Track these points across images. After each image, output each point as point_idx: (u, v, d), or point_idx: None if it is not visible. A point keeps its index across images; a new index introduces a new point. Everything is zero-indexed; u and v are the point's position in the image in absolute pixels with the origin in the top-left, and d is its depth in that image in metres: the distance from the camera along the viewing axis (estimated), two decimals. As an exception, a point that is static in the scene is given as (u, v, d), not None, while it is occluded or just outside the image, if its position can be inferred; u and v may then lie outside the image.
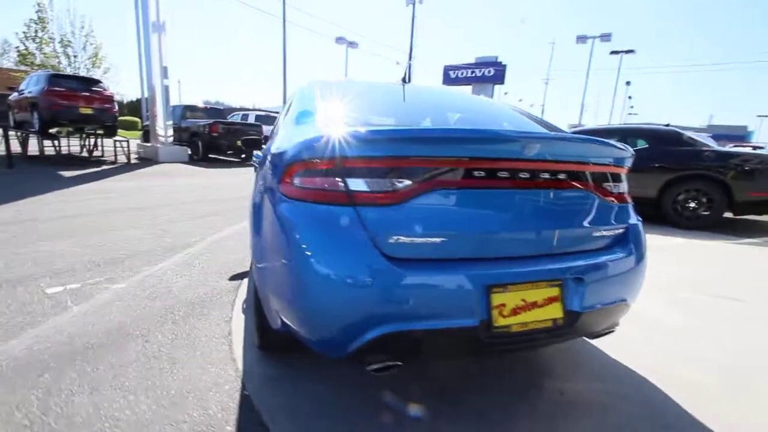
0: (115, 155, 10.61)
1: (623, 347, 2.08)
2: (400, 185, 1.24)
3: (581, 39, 25.56)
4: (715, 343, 2.22)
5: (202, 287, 2.74)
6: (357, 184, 1.24)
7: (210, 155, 12.91)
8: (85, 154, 11.38)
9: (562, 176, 1.39)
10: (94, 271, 2.93)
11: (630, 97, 31.78)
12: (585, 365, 1.98)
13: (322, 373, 1.79)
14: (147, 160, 11.45)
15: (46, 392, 1.60)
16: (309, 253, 1.23)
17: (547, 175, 1.36)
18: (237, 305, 2.49)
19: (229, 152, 13.14)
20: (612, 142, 1.50)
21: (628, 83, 29.22)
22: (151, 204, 5.55)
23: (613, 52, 25.92)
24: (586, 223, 1.45)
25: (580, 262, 1.40)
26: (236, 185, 7.90)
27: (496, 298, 1.27)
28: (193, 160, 12.19)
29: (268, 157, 1.66)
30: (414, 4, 25.13)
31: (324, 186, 1.27)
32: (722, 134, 38.51)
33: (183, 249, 3.59)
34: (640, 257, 1.56)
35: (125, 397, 1.59)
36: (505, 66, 29.19)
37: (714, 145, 5.87)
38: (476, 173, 1.27)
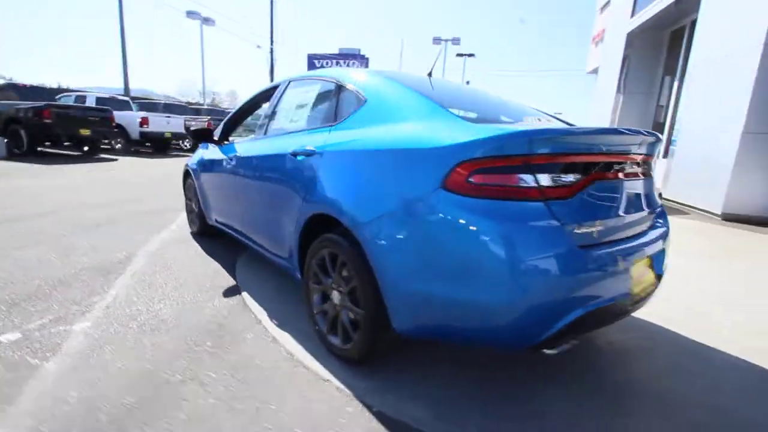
0: None
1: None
2: (575, 179, 1.34)
3: (437, 40, 28.46)
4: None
5: (200, 310, 2.28)
6: (545, 180, 1.29)
7: (39, 148, 10.06)
8: None
9: (646, 166, 1.70)
10: (23, 314, 2.13)
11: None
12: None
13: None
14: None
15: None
16: (510, 249, 1.24)
17: (643, 166, 1.65)
18: (267, 322, 2.17)
19: (66, 144, 10.51)
20: (658, 134, 1.87)
21: (468, 83, 33.83)
22: (23, 215, 4.16)
23: (458, 55, 29.73)
24: (655, 203, 1.81)
25: (659, 234, 1.74)
26: (104, 184, 6.45)
27: (634, 271, 1.50)
28: (14, 155, 9.31)
29: (385, 156, 1.52)
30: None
31: (514, 182, 1.27)
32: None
33: (121, 268, 2.86)
34: (668, 226, 2.00)
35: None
36: (368, 59, 30.34)
37: None
38: (615, 166, 1.47)
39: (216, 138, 3.23)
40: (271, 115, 2.52)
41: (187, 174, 3.88)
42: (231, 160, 2.75)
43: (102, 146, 11.71)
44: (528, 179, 1.27)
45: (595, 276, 1.33)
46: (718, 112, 5.53)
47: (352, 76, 1.98)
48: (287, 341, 1.99)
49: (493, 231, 1.26)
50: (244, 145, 2.68)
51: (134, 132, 12.00)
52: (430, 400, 1.59)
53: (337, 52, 30.30)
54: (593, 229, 1.37)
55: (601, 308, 1.38)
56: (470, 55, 29.18)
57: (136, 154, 12.27)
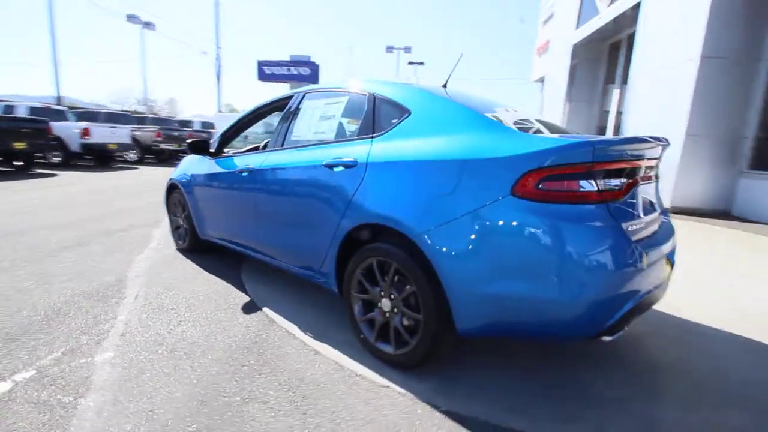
0: None
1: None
2: (622, 183, 1.49)
3: (389, 49, 29.03)
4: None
5: (228, 329, 2.19)
6: (602, 184, 1.42)
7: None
8: None
9: (657, 169, 1.91)
10: (25, 349, 1.93)
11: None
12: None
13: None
14: None
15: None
16: (580, 248, 1.35)
17: (656, 169, 1.86)
18: (302, 335, 2.13)
19: (-3, 159, 9.45)
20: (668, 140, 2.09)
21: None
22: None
23: (410, 63, 30.54)
24: (661, 200, 2.03)
25: (670, 227, 1.96)
26: (54, 203, 5.90)
27: (662, 262, 1.68)
28: (-69, 173, 8.18)
29: (450, 166, 1.58)
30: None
31: (578, 188, 1.39)
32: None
33: (118, 292, 2.66)
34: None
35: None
36: (318, 66, 30.17)
37: None
38: (645, 170, 1.65)
39: (212, 150, 3.12)
40: (288, 127, 2.49)
41: (171, 189, 3.68)
42: (240, 173, 2.66)
43: (36, 160, 10.62)
44: (590, 184, 1.40)
45: (644, 269, 1.49)
46: (662, 116, 6.20)
47: (388, 89, 2.02)
48: (330, 352, 1.98)
49: (564, 232, 1.37)
50: (256, 157, 2.61)
51: (74, 144, 11.00)
52: (491, 393, 1.67)
53: (288, 59, 29.83)
54: (637, 227, 1.53)
55: (646, 297, 1.54)
56: (420, 63, 30.12)
57: (76, 168, 11.25)
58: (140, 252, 3.59)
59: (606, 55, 9.98)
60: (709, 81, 5.47)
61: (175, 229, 3.77)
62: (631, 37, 8.62)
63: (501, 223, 1.44)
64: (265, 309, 2.46)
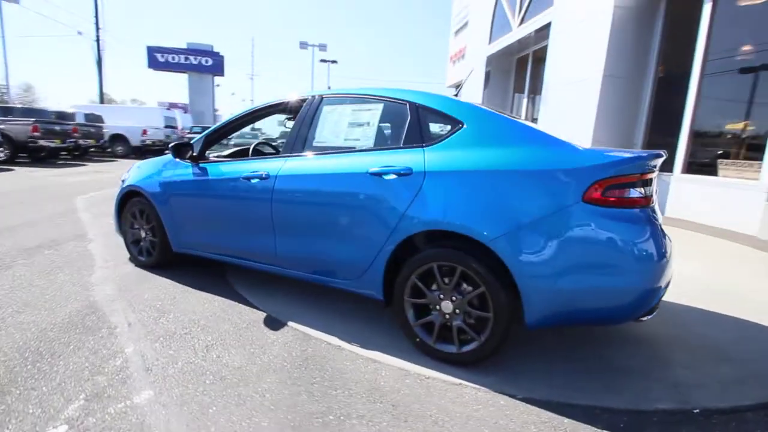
0: None
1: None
2: (652, 189, 1.81)
3: (303, 45, 28.06)
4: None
5: (266, 348, 2.05)
6: (645, 191, 1.72)
7: None
8: None
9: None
10: (31, 400, 1.58)
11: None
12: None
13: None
14: None
15: None
16: (641, 244, 1.63)
17: None
18: (348, 346, 2.10)
19: None
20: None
21: (329, 88, 34.49)
22: None
23: (322, 60, 29.99)
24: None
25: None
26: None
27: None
28: None
29: (520, 176, 1.75)
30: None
31: (631, 194, 1.67)
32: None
33: (99, 321, 2.30)
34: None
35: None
36: (223, 57, 28.10)
37: None
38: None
39: (195, 154, 2.82)
40: (308, 133, 2.39)
41: (127, 197, 3.22)
42: (247, 180, 2.47)
43: None
44: (638, 191, 1.69)
45: (671, 260, 1.84)
46: (574, 125, 7.25)
47: (435, 100, 2.09)
48: (386, 359, 2.00)
49: (627, 232, 1.64)
50: (269, 163, 2.45)
51: None
52: (547, 378, 1.88)
53: (185, 47, 27.15)
54: (663, 226, 1.88)
55: (668, 284, 1.90)
56: (333, 61, 29.89)
57: None
58: (90, 272, 3.07)
59: (514, 68, 11.21)
60: (609, 96, 6.58)
61: (133, 243, 3.30)
62: (536, 53, 9.84)
63: (574, 225, 1.65)
64: (290, 323, 2.35)
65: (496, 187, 1.79)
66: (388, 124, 2.25)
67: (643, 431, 1.55)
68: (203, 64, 27.20)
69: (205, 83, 29.40)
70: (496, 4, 10.78)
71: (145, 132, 15.15)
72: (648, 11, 6.45)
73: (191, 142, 2.83)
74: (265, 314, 2.45)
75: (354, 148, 2.24)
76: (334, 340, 2.16)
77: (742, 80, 5.48)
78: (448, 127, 2.00)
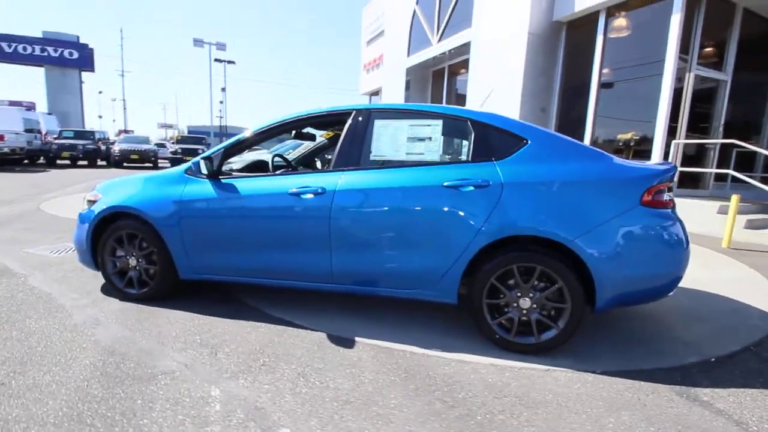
0: None
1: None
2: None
3: (198, 42, 25.34)
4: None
5: (362, 368, 2.02)
6: (671, 195, 2.19)
7: None
8: None
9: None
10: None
11: (222, 102, 35.04)
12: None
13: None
14: None
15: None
16: (682, 236, 2.09)
17: None
18: (419, 350, 2.17)
19: None
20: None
21: (223, 89, 32.09)
22: None
23: (217, 60, 27.70)
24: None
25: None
26: None
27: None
28: None
29: (589, 185, 2.08)
30: None
31: (669, 197, 2.12)
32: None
33: (136, 369, 1.98)
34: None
35: None
36: (92, 50, 24.20)
37: None
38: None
39: (214, 170, 2.56)
40: (361, 147, 2.39)
41: (108, 221, 2.75)
42: (296, 195, 2.36)
43: None
44: (668, 195, 2.15)
45: None
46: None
47: (496, 119, 2.30)
48: (472, 359, 2.13)
49: (670, 227, 2.08)
50: (321, 177, 2.37)
51: None
52: (606, 352, 2.24)
53: (40, 36, 22.69)
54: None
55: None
56: (230, 62, 27.93)
57: None
58: (67, 315, 2.55)
59: (430, 79, 12.08)
60: (528, 111, 7.67)
61: (116, 273, 2.81)
62: (451, 67, 10.80)
63: (635, 223, 2.04)
64: (357, 338, 2.32)
65: (570, 195, 2.10)
66: (450, 139, 2.40)
67: (696, 380, 1.98)
68: (66, 57, 22.94)
69: (69, 79, 24.84)
70: (413, 16, 11.49)
71: (2, 138, 12.29)
72: (552, 38, 7.69)
73: (210, 155, 2.56)
74: (323, 334, 2.37)
75: (420, 162, 2.33)
76: (415, 349, 2.22)
77: (622, 93, 7.00)
78: (513, 144, 2.24)
